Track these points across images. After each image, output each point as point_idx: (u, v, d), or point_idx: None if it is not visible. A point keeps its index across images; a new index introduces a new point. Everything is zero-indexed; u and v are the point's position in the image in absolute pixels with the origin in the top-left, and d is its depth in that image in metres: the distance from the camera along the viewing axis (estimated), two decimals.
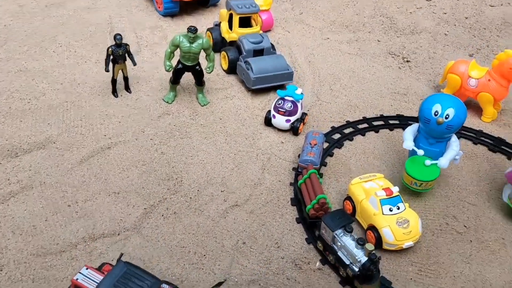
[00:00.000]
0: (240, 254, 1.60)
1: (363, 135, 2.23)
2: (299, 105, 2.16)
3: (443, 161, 1.79)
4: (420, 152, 1.82)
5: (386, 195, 1.66)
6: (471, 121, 2.34)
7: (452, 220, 1.80)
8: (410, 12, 3.31)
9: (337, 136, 2.20)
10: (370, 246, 1.43)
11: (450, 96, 1.81)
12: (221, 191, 1.84)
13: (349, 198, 1.78)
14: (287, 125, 2.15)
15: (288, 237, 1.67)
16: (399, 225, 1.61)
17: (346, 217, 1.54)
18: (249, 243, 1.64)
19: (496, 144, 2.21)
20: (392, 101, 2.48)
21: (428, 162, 1.81)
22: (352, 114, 2.36)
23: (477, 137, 2.25)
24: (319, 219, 1.60)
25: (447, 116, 1.72)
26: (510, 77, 2.25)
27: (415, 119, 2.11)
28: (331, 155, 2.08)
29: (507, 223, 1.80)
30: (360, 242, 1.45)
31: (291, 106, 2.14)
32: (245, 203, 1.80)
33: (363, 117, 2.33)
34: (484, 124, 2.34)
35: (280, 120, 2.14)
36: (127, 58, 2.20)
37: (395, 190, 1.68)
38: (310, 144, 1.92)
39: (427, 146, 1.85)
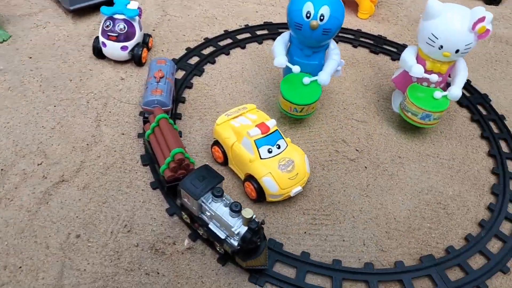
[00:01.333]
0: (74, 254, 1.12)
1: (227, 54, 1.78)
2: (136, 24, 1.61)
3: (324, 76, 1.43)
4: (296, 68, 1.43)
5: (262, 134, 1.26)
6: (347, 20, 2.01)
7: (342, 145, 1.49)
8: None
9: (195, 59, 1.72)
10: (247, 213, 1.04)
11: None
12: (38, 165, 1.29)
13: (217, 142, 1.36)
14: (124, 54, 1.60)
15: (142, 213, 1.22)
16: (282, 169, 1.24)
17: (212, 176, 1.12)
18: (86, 234, 1.16)
19: (377, 44, 1.91)
20: (257, 6, 2.03)
21: (306, 80, 1.43)
22: (211, 28, 1.88)
23: (356, 38, 1.93)
24: (179, 181, 1.17)
25: (321, 17, 1.32)
26: None
27: (286, 27, 1.70)
28: (190, 87, 1.61)
29: (401, 137, 1.54)
30: (235, 209, 1.06)
31: (124, 27, 1.57)
32: (75, 176, 1.28)
33: (224, 31, 1.87)
34: (362, 21, 2.03)
35: (113, 48, 1.58)
36: None
37: (272, 124, 1.29)
38: (155, 77, 1.41)
39: (302, 59, 1.46)
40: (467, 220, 1.32)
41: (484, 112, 1.67)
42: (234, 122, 1.33)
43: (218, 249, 1.15)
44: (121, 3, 1.58)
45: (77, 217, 1.19)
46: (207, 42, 1.80)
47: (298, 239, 1.22)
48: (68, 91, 1.51)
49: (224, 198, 1.10)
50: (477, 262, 1.22)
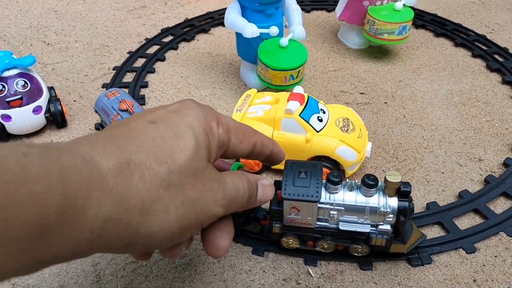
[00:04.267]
0: None
1: (175, 48, 1.43)
2: (35, 74, 1.15)
3: (299, 29, 1.22)
4: (274, 29, 1.19)
5: (301, 104, 0.99)
6: None
7: (347, 96, 1.30)
8: None
9: (130, 77, 1.32)
10: (395, 177, 0.76)
11: None
12: None
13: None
14: (40, 118, 1.13)
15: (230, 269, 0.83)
16: (346, 131, 0.99)
17: (308, 165, 0.80)
18: None
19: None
20: (140, 25, 1.70)
21: (284, 40, 1.19)
22: (114, 55, 1.48)
23: None
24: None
25: None
26: None
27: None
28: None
29: (384, 65, 1.42)
30: (371, 182, 0.77)
31: (26, 84, 1.10)
32: None
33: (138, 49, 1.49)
34: None
35: (22, 117, 1.10)
36: None
37: (301, 90, 1.03)
38: (124, 111, 1.00)
39: (266, 22, 1.21)
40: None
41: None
42: (252, 114, 1.02)
43: (357, 253, 0.84)
44: (5, 56, 1.10)
45: None
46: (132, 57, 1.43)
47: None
48: None
49: (342, 182, 0.80)
50: None
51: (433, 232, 0.91)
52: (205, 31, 1.62)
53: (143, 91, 1.32)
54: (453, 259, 0.86)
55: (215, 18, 1.68)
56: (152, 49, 1.51)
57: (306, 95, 1.02)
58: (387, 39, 1.38)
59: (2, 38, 1.56)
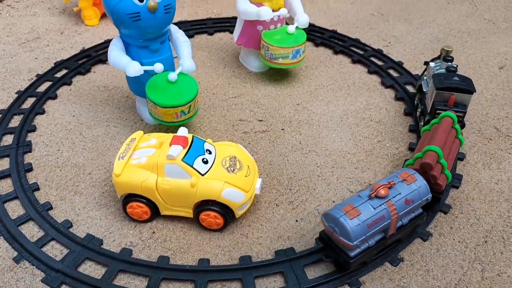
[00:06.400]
0: None
1: (69, 84, 1.36)
2: None
3: (188, 62, 1.18)
4: (159, 66, 1.15)
5: (184, 148, 0.96)
6: None
7: (245, 124, 1.29)
8: None
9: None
10: None
11: None
12: None
13: (130, 197, 0.98)
14: None
15: None
16: (232, 171, 0.97)
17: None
18: None
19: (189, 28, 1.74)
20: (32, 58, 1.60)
21: (172, 75, 1.16)
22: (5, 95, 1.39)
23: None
24: None
25: None
26: None
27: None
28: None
29: (283, 89, 1.43)
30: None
31: None
32: None
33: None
34: None
35: None
36: None
37: (186, 132, 1.00)
38: None
39: (152, 57, 1.18)
40: None
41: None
42: (135, 161, 0.98)
43: None
44: None
45: None
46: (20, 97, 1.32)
47: (294, 227, 0.99)
48: None
49: None
50: None
51: (322, 269, 0.91)
52: (102, 61, 1.55)
53: (30, 136, 1.24)
54: None
55: None
56: (44, 86, 1.42)
57: (190, 136, 0.99)
58: (282, 63, 1.38)
59: None
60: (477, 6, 1.92)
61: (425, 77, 1.29)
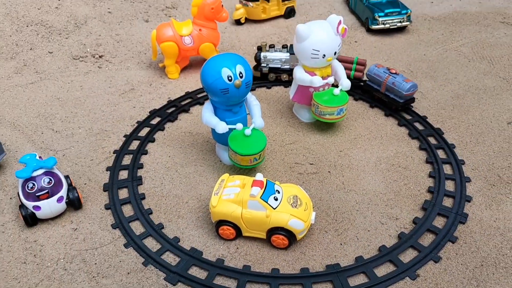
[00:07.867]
0: None
1: (162, 130, 1.78)
2: (56, 171, 1.48)
3: (259, 120, 1.58)
4: (239, 126, 1.55)
5: (261, 189, 1.35)
6: None
7: (299, 167, 1.67)
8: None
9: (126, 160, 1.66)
10: None
11: (222, 55, 1.55)
12: None
13: (221, 222, 1.38)
14: (62, 205, 1.46)
15: None
16: (295, 206, 1.36)
17: None
18: None
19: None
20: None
21: (248, 131, 1.56)
22: (112, 139, 1.83)
23: None
24: None
25: (241, 75, 1.48)
26: (215, 16, 2.18)
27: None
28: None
29: (328, 137, 1.81)
30: None
31: (51, 180, 1.44)
32: None
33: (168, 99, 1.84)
34: None
35: (49, 206, 1.42)
36: None
37: (262, 177, 1.39)
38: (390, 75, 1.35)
39: (233, 117, 1.59)
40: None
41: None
42: (226, 196, 1.38)
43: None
44: (32, 159, 1.44)
45: None
46: (128, 140, 1.76)
47: (339, 249, 1.36)
48: None
49: None
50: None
51: (358, 280, 1.27)
52: (186, 111, 1.98)
53: (139, 172, 1.66)
54: None
55: (194, 98, 2.04)
56: (144, 131, 1.86)
57: (265, 180, 1.39)
58: (328, 118, 1.77)
59: (17, 127, 1.89)
60: (493, 65, 2.25)
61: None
